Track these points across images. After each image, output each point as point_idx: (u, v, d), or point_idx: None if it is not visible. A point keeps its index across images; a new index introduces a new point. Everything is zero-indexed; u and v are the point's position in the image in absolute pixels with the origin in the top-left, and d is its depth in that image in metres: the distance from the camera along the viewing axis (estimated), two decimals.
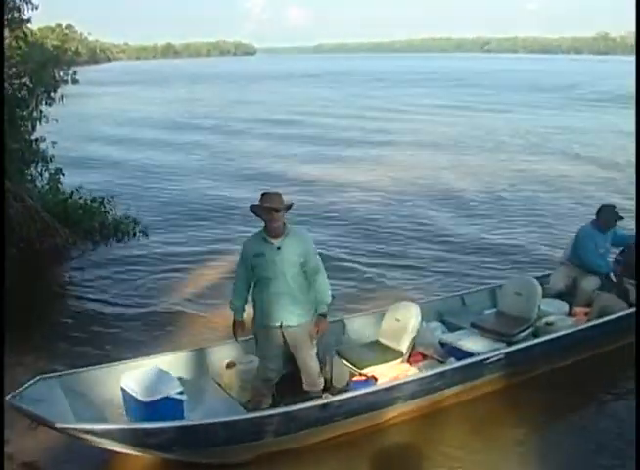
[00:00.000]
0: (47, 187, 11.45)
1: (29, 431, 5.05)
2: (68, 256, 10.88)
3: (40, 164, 10.87)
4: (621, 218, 7.95)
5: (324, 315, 5.69)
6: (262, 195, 5.55)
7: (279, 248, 5.49)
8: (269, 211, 5.44)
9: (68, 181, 11.72)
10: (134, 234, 11.74)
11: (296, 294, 5.57)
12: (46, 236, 10.37)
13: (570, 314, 7.51)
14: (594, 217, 7.95)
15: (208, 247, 11.43)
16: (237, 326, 5.76)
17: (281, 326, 5.60)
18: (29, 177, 10.85)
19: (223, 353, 6.43)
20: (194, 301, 9.00)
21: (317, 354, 5.92)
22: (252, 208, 5.60)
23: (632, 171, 16.81)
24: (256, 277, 5.61)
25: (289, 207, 5.59)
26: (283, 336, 5.66)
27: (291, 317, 5.58)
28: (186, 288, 9.51)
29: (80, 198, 11.64)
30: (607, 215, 7.83)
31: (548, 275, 8.34)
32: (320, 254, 5.83)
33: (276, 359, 5.76)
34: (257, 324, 5.74)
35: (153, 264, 10.64)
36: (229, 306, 5.80)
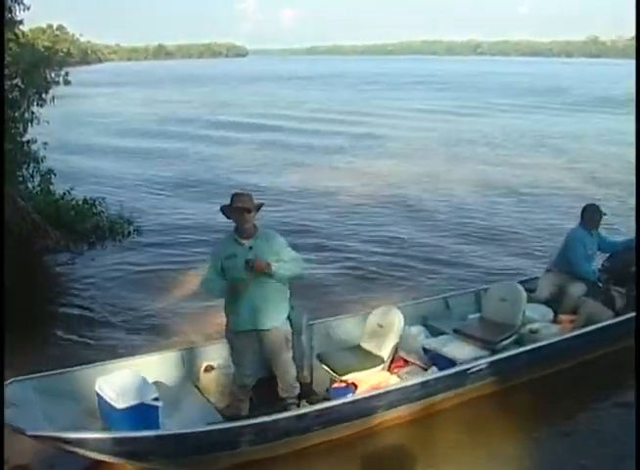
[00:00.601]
0: (38, 188, 11.43)
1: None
2: (59, 257, 10.86)
3: (32, 165, 10.85)
4: (604, 214, 7.95)
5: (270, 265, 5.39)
6: (233, 195, 5.53)
7: (251, 248, 5.46)
8: (240, 211, 5.43)
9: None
10: (129, 233, 11.75)
11: (268, 296, 5.52)
12: (37, 237, 10.35)
13: (555, 321, 7.44)
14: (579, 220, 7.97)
15: (197, 250, 11.34)
16: (234, 286, 5.46)
17: (255, 330, 5.54)
18: (20, 178, 10.82)
19: (202, 356, 6.37)
20: (186, 302, 8.97)
21: (294, 358, 5.88)
22: (223, 208, 5.57)
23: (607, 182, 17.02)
24: (228, 279, 5.53)
25: (259, 207, 5.58)
26: (257, 340, 5.61)
27: (264, 320, 5.52)
28: (178, 290, 9.50)
29: (72, 199, 11.62)
30: (591, 214, 7.86)
31: (533, 279, 8.31)
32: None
33: (251, 365, 5.72)
34: (230, 329, 5.67)
35: (143, 267, 10.64)
36: (212, 294, 5.72)
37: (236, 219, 5.50)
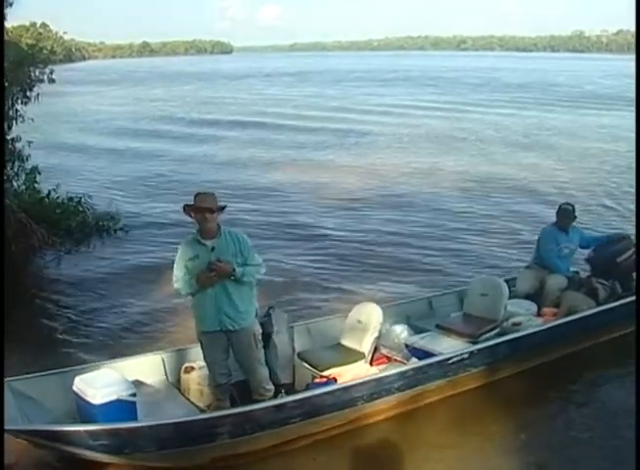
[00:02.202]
0: (23, 187, 11.40)
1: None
2: (45, 256, 10.84)
3: (16, 163, 10.81)
4: (575, 217, 8.11)
5: (233, 269, 5.44)
6: (196, 195, 5.54)
7: (213, 249, 5.46)
8: (202, 211, 5.43)
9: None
10: (115, 231, 11.73)
11: (233, 296, 5.51)
12: (22, 236, 10.30)
13: (538, 315, 7.47)
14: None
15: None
16: (201, 276, 5.47)
17: (222, 330, 5.54)
18: (5, 177, 10.77)
19: (182, 358, 6.37)
20: (172, 299, 8.93)
21: (276, 359, 5.92)
22: (186, 208, 5.57)
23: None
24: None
25: (222, 208, 5.58)
26: (226, 340, 5.61)
27: (231, 321, 5.52)
28: (165, 287, 9.47)
29: (57, 197, 11.59)
30: (564, 213, 8.05)
31: (514, 279, 8.33)
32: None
33: (224, 363, 5.72)
34: (199, 330, 5.67)
35: (129, 263, 10.67)
36: (184, 291, 5.63)
37: (198, 219, 5.50)
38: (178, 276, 5.59)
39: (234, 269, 5.43)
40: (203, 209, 5.43)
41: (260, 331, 5.79)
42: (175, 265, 5.63)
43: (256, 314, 5.79)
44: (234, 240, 5.55)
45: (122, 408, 5.25)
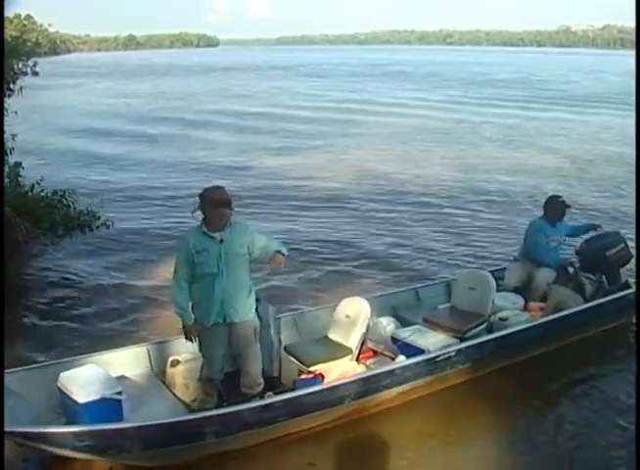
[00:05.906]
0: (7, 180, 11.29)
1: None
2: (29, 250, 10.71)
3: None
4: (568, 207, 8.11)
5: (279, 252, 5.68)
6: (213, 188, 5.51)
7: (222, 241, 5.41)
8: (225, 204, 5.38)
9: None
10: (97, 226, 11.66)
11: (239, 288, 5.49)
12: (7, 230, 10.22)
13: (525, 309, 7.48)
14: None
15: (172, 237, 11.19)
16: (190, 329, 5.60)
17: (225, 322, 5.51)
18: None
19: (168, 351, 6.30)
20: (158, 292, 8.88)
21: (261, 352, 5.85)
22: (207, 198, 5.44)
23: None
24: (198, 274, 5.45)
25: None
26: (227, 333, 5.57)
27: (235, 313, 5.49)
28: (150, 280, 9.47)
29: (42, 191, 11.51)
30: (553, 205, 8.01)
31: (503, 269, 8.36)
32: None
33: (221, 358, 5.68)
34: (200, 323, 5.58)
35: (116, 256, 10.60)
36: (175, 311, 5.61)
37: (214, 212, 5.40)
38: (179, 289, 5.53)
39: (282, 253, 5.68)
40: (225, 202, 5.38)
41: (259, 325, 5.75)
42: (177, 265, 5.54)
43: (256, 308, 5.75)
44: (241, 230, 5.51)
45: (108, 407, 5.18)
